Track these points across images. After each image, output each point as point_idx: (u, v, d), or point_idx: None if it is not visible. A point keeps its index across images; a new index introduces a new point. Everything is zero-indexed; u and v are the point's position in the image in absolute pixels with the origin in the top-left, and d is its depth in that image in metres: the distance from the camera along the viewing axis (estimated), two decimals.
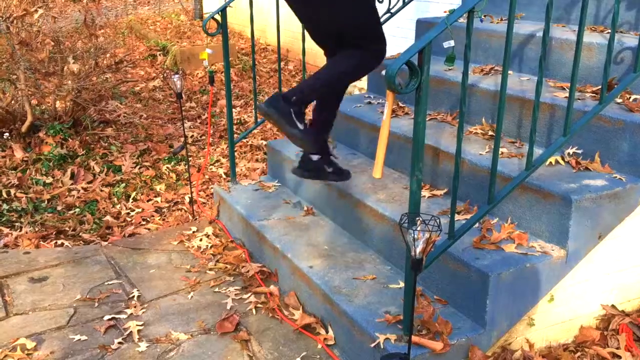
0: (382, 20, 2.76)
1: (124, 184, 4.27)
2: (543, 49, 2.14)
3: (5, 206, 3.90)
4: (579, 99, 2.70)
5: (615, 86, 2.50)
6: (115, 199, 4.10)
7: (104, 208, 3.97)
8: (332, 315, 2.46)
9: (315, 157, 2.73)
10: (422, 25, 3.88)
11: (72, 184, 4.24)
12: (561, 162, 2.58)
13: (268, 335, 2.54)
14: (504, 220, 2.52)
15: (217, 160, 4.76)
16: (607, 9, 3.27)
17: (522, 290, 2.27)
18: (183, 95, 5.54)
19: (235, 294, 2.84)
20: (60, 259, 3.22)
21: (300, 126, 2.41)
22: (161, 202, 4.07)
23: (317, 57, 2.81)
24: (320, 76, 2.49)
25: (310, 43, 2.90)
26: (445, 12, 4.09)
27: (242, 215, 3.25)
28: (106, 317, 2.67)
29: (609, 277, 2.50)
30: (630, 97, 2.65)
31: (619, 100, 2.64)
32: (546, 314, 2.40)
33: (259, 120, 3.83)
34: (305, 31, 2.70)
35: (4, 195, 4.03)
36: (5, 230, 3.63)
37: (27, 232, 3.60)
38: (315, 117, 2.71)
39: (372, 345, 2.17)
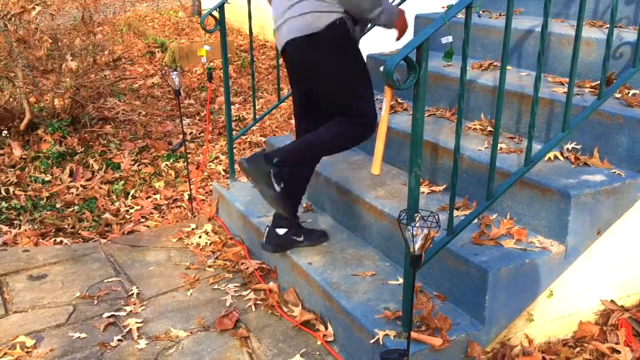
0: None
1: (122, 182, 4.26)
2: (542, 44, 2.13)
3: (4, 204, 3.90)
4: (578, 94, 2.70)
5: (614, 81, 2.49)
6: (114, 197, 4.09)
7: (102, 205, 3.97)
8: (331, 311, 2.46)
9: (281, 231, 2.72)
10: (421, 21, 3.87)
11: (71, 182, 4.24)
12: (560, 157, 2.58)
13: (267, 332, 2.54)
14: (503, 216, 2.52)
15: (216, 157, 4.75)
16: (605, 4, 3.27)
17: (521, 286, 2.27)
18: (181, 92, 5.54)
19: (234, 291, 2.84)
20: (59, 257, 3.22)
21: (277, 188, 2.42)
22: (160, 199, 4.07)
23: None
24: (305, 142, 2.51)
25: None
26: (443, 7, 4.09)
27: (241, 212, 3.25)
28: (105, 315, 2.67)
29: (608, 272, 2.50)
30: (629, 92, 2.64)
31: (618, 95, 2.63)
32: (545, 310, 2.40)
33: (257, 117, 3.83)
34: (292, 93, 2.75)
35: (3, 193, 4.02)
36: (4, 228, 3.63)
37: (26, 230, 3.60)
38: (289, 184, 2.65)
39: (372, 341, 2.17)
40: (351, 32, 2.40)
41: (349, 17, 2.37)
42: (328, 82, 2.45)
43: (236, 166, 4.33)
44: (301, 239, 2.77)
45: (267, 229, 2.76)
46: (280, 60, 4.63)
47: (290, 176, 2.56)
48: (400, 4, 3.71)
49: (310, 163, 2.70)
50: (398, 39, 2.51)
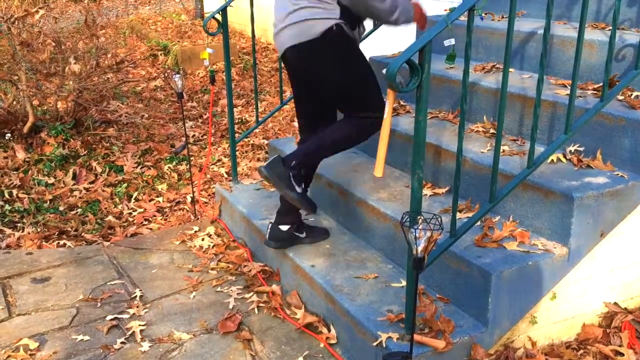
0: None
1: (125, 184, 4.27)
2: (544, 47, 2.13)
3: (7, 207, 3.90)
4: (581, 97, 2.69)
5: (617, 83, 2.49)
6: (117, 199, 4.10)
7: (106, 208, 3.97)
8: (334, 314, 2.46)
9: (284, 228, 2.77)
10: None
11: (74, 185, 4.25)
12: (563, 159, 2.58)
13: (270, 335, 2.54)
14: (505, 218, 2.52)
15: (219, 160, 4.76)
16: (608, 6, 3.27)
17: (524, 289, 2.27)
18: (184, 95, 5.54)
19: (237, 294, 2.84)
20: (62, 260, 3.22)
21: (298, 189, 2.51)
22: (163, 202, 4.07)
23: None
24: (319, 142, 2.56)
25: None
26: (445, 10, 4.09)
27: (243, 215, 3.25)
28: (109, 317, 2.67)
29: (611, 274, 2.50)
30: (632, 94, 2.64)
31: (621, 98, 2.63)
32: (549, 312, 2.39)
33: (260, 119, 3.83)
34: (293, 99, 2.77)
35: (6, 195, 4.03)
36: (8, 231, 3.64)
37: (29, 233, 3.61)
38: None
39: (375, 344, 2.17)
40: (350, 35, 2.43)
41: (347, 21, 2.39)
42: (330, 87, 2.50)
43: (239, 169, 4.33)
44: (303, 235, 2.81)
45: (270, 225, 2.80)
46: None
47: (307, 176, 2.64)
48: None
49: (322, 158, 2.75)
50: (422, 28, 2.56)
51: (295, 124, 5.37)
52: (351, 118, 2.51)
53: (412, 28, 4.02)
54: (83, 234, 3.65)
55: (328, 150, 2.61)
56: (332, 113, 2.72)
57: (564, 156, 2.59)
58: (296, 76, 2.64)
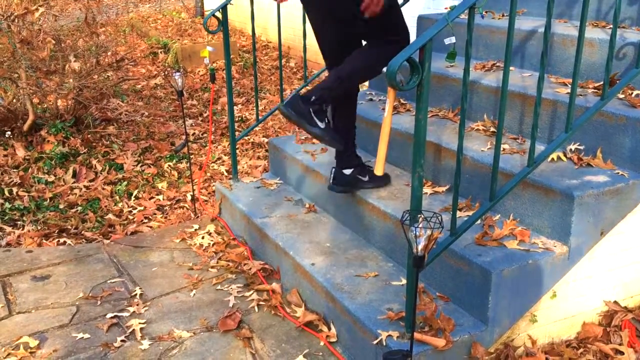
0: None
1: (125, 182, 4.27)
2: (545, 45, 2.13)
3: (7, 205, 3.90)
4: (581, 95, 2.69)
5: (618, 82, 2.49)
6: (117, 197, 4.10)
7: (106, 206, 3.97)
8: (334, 312, 2.46)
9: (348, 171, 2.76)
10: (424, 22, 3.87)
11: (74, 182, 4.24)
12: (563, 158, 2.58)
13: (270, 333, 2.54)
14: (506, 216, 2.52)
15: (219, 158, 4.76)
16: (609, 5, 3.26)
17: (524, 287, 2.27)
18: (184, 93, 5.54)
19: (237, 292, 2.84)
20: (62, 258, 3.22)
21: (321, 125, 2.46)
22: (163, 200, 4.07)
23: (318, 54, 2.81)
24: (338, 73, 2.51)
25: (312, 40, 2.90)
26: (446, 8, 4.09)
27: (244, 213, 3.25)
28: (109, 315, 2.67)
29: (611, 273, 2.50)
30: (632, 93, 2.64)
31: (621, 96, 2.63)
32: (549, 311, 2.39)
33: (260, 117, 3.83)
34: (315, 38, 2.70)
35: (6, 193, 4.03)
36: (8, 229, 3.64)
37: (29, 231, 3.61)
38: (335, 125, 2.71)
39: (375, 342, 2.17)
40: None
41: None
42: (356, 11, 2.39)
43: (239, 167, 4.34)
44: (366, 178, 2.80)
45: (333, 170, 2.79)
46: (283, 61, 4.62)
47: (333, 113, 2.59)
48: (403, 4, 3.71)
49: (347, 91, 2.67)
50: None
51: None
52: (372, 43, 2.46)
53: (412, 24, 4.02)
54: (83, 232, 3.65)
55: (349, 81, 2.54)
56: (358, 44, 2.64)
57: (565, 155, 2.59)
58: (320, 9, 2.56)
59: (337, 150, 2.78)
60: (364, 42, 2.62)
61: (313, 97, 2.45)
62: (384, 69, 1.81)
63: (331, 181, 2.80)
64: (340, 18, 2.51)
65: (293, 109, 2.43)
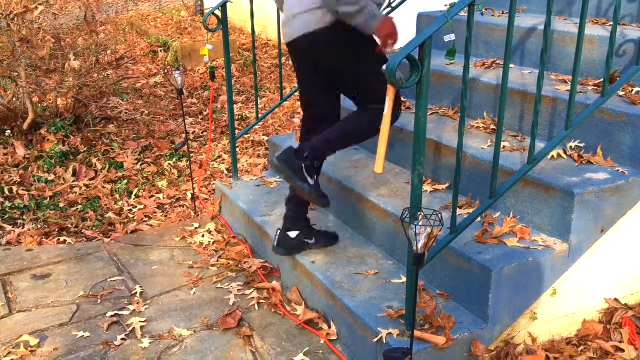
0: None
1: (126, 181, 4.27)
2: (545, 42, 2.13)
3: (7, 203, 3.90)
4: (581, 92, 2.69)
5: (618, 79, 2.49)
6: (118, 196, 4.10)
7: (106, 205, 3.97)
8: (334, 310, 2.46)
9: (293, 234, 2.71)
10: (423, 19, 3.87)
11: (74, 181, 4.24)
12: (563, 155, 2.57)
13: (271, 331, 2.54)
14: (506, 214, 2.52)
15: (219, 157, 4.75)
16: (609, 2, 3.26)
17: (524, 285, 2.26)
18: (184, 92, 5.53)
19: (237, 290, 2.84)
20: (62, 256, 3.22)
21: (311, 181, 2.46)
22: (163, 198, 4.07)
23: None
24: (333, 133, 2.52)
25: None
26: (446, 5, 4.08)
27: (244, 211, 3.25)
28: (109, 314, 2.67)
29: (612, 270, 2.50)
30: (632, 90, 2.64)
31: (622, 93, 2.62)
32: (549, 308, 2.39)
33: (260, 116, 3.83)
34: (298, 87, 2.72)
35: (7, 192, 4.03)
36: (8, 228, 3.64)
37: (29, 230, 3.61)
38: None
39: (375, 340, 2.17)
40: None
41: None
42: (345, 74, 2.45)
43: (239, 165, 4.33)
44: (312, 241, 2.75)
45: (278, 232, 2.75)
46: (284, 59, 4.61)
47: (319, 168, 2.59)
48: (402, 2, 3.70)
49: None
50: (383, 46, 2.36)
51: (296, 120, 5.37)
52: (366, 108, 2.47)
53: (412, 22, 4.00)
54: (83, 230, 3.65)
55: (341, 142, 2.56)
56: (339, 104, 2.67)
57: (565, 152, 2.59)
58: (305, 66, 2.59)
59: (290, 211, 2.73)
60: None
61: (306, 153, 2.45)
62: (384, 67, 1.80)
63: (275, 243, 2.75)
64: (328, 68, 2.51)
65: (286, 162, 2.44)
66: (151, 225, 3.69)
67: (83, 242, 3.49)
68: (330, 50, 2.40)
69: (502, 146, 2.63)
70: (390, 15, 2.46)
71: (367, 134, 2.57)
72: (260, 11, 5.43)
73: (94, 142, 4.77)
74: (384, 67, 1.80)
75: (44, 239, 3.49)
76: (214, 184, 4.16)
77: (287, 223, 2.74)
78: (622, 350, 2.35)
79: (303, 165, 2.44)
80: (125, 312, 2.69)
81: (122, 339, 2.50)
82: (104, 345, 2.46)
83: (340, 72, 2.46)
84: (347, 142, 2.60)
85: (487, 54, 3.44)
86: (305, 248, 2.75)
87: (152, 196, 4.11)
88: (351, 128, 2.52)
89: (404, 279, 2.46)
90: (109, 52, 5.59)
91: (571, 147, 2.61)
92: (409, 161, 2.98)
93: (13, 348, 2.45)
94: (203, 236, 3.37)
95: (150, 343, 2.48)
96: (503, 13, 3.73)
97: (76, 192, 4.10)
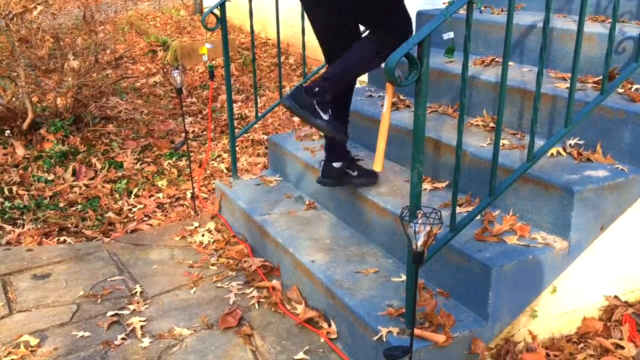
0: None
1: (125, 180, 4.27)
2: (544, 40, 2.12)
3: (7, 203, 3.90)
4: (580, 90, 2.69)
5: (617, 76, 2.48)
6: (117, 195, 4.10)
7: (105, 204, 3.97)
8: (334, 309, 2.46)
9: (337, 164, 2.74)
10: (422, 17, 3.86)
11: (73, 181, 4.24)
12: (563, 153, 2.57)
13: (271, 330, 2.54)
14: (505, 212, 2.52)
15: (219, 156, 4.75)
16: None
17: (524, 282, 2.26)
18: (183, 91, 5.53)
19: (237, 289, 2.84)
20: (62, 256, 3.22)
21: (325, 117, 2.45)
22: (163, 197, 4.07)
23: (317, 50, 2.80)
24: (341, 64, 2.50)
25: (311, 37, 2.89)
26: (444, 3, 4.08)
27: (243, 210, 3.25)
28: (109, 314, 2.67)
29: (611, 268, 2.50)
30: (632, 87, 2.63)
31: (621, 91, 2.62)
32: (549, 306, 2.39)
33: (259, 114, 3.83)
34: (314, 32, 2.68)
35: (6, 192, 4.03)
36: (8, 228, 3.64)
37: (29, 229, 3.61)
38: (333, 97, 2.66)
39: (375, 338, 2.17)
40: None
41: None
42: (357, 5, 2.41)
43: (239, 164, 4.33)
44: (355, 173, 2.78)
45: (323, 162, 2.78)
46: (283, 58, 4.61)
47: (333, 104, 2.57)
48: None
49: (348, 83, 2.68)
50: None
51: (296, 118, 5.37)
52: (375, 31, 2.45)
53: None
54: (83, 230, 3.65)
55: (351, 73, 2.54)
56: (357, 35, 2.64)
57: (564, 150, 2.58)
58: (319, 3, 2.54)
59: (328, 143, 2.75)
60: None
61: (316, 88, 2.44)
62: (382, 65, 1.80)
63: (320, 174, 2.79)
64: (341, 7, 2.49)
65: (296, 101, 2.42)
66: (151, 225, 3.69)
67: (83, 241, 3.49)
68: None
69: (501, 144, 2.62)
70: None
71: (374, 64, 2.53)
72: (259, 10, 5.43)
73: (93, 142, 4.77)
74: (383, 65, 1.80)
75: (43, 239, 3.49)
76: (213, 183, 4.15)
77: (329, 154, 2.76)
78: (622, 348, 2.35)
79: (314, 101, 2.42)
80: (125, 312, 2.69)
81: (122, 339, 2.50)
82: (104, 345, 2.47)
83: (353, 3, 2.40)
84: (357, 73, 2.57)
85: (486, 52, 3.43)
86: (349, 180, 2.78)
87: (151, 195, 4.11)
88: (360, 56, 2.48)
89: (404, 277, 2.46)
90: (108, 51, 5.58)
91: (570, 144, 2.61)
92: (408, 159, 2.98)
93: (13, 348, 2.45)
94: (203, 235, 3.37)
95: (150, 342, 2.48)
96: (502, 11, 3.73)
97: (76, 192, 4.10)
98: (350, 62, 2.50)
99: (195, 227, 3.50)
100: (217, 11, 3.34)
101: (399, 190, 2.80)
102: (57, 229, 3.64)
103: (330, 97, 2.50)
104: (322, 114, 2.45)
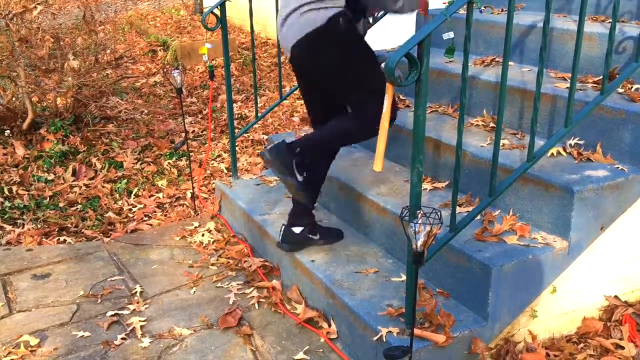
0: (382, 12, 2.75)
1: (125, 180, 4.26)
2: (544, 40, 2.12)
3: (7, 203, 3.90)
4: (581, 90, 2.69)
5: (617, 76, 2.48)
6: (117, 195, 4.10)
7: (105, 204, 3.97)
8: (334, 309, 2.46)
9: (297, 230, 2.71)
10: (422, 17, 3.86)
11: (73, 181, 4.24)
12: (563, 153, 2.57)
13: (271, 330, 2.54)
14: (505, 212, 2.51)
15: (219, 155, 4.75)
16: None
17: (524, 282, 2.26)
18: (184, 91, 5.53)
19: (237, 289, 2.84)
20: (62, 256, 3.22)
21: (299, 178, 2.46)
22: (163, 197, 4.07)
23: None
24: (325, 131, 2.52)
25: None
26: (444, 3, 4.08)
27: (243, 210, 3.25)
28: (109, 313, 2.67)
29: (611, 268, 2.50)
30: (632, 87, 2.63)
31: (621, 90, 2.62)
32: (549, 306, 2.39)
33: (259, 114, 3.83)
34: (302, 99, 2.72)
35: (6, 192, 4.03)
36: (8, 228, 3.64)
37: (29, 229, 3.60)
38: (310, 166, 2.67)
39: (375, 338, 2.17)
40: (355, 25, 2.38)
41: (351, 12, 2.35)
42: (335, 78, 2.43)
43: (239, 164, 4.33)
44: (317, 237, 2.75)
45: (283, 227, 2.75)
46: (283, 58, 4.62)
47: (309, 168, 2.56)
48: None
49: (327, 157, 2.70)
50: (425, 13, 2.46)
51: (295, 118, 5.37)
52: (349, 116, 2.47)
53: (411, 19, 4.00)
54: (83, 230, 3.65)
55: (332, 142, 2.56)
56: (341, 108, 2.66)
57: (564, 150, 2.58)
58: (302, 71, 2.58)
59: (292, 208, 2.73)
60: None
61: (298, 149, 2.44)
62: (382, 65, 1.80)
63: (279, 238, 2.75)
64: (326, 88, 2.52)
65: (277, 156, 2.42)
66: (151, 225, 3.69)
67: (83, 241, 3.49)
68: (322, 50, 2.36)
69: (501, 144, 2.62)
70: None
71: (358, 137, 2.57)
72: (259, 10, 5.43)
73: (93, 142, 4.77)
74: (383, 64, 1.80)
75: (43, 239, 3.49)
76: (213, 183, 4.15)
77: (292, 219, 2.74)
78: (622, 348, 2.35)
79: (294, 161, 2.43)
80: (125, 312, 2.69)
81: (122, 339, 2.50)
82: (104, 345, 2.46)
83: (332, 73, 2.41)
84: (338, 143, 2.60)
85: (486, 52, 3.43)
86: (309, 244, 2.75)
87: (151, 195, 4.11)
88: (342, 130, 2.50)
89: (404, 277, 2.46)
90: (108, 51, 5.58)
91: (571, 144, 2.61)
92: (408, 159, 2.98)
93: (13, 348, 2.45)
94: (203, 235, 3.37)
95: (150, 342, 2.48)
96: (502, 10, 3.73)
97: (76, 192, 4.10)
98: (334, 131, 2.51)
99: (195, 227, 3.50)
100: (217, 11, 3.34)
101: (399, 190, 2.80)
102: (57, 229, 3.64)
103: (310, 161, 2.52)
104: (297, 175, 2.45)
